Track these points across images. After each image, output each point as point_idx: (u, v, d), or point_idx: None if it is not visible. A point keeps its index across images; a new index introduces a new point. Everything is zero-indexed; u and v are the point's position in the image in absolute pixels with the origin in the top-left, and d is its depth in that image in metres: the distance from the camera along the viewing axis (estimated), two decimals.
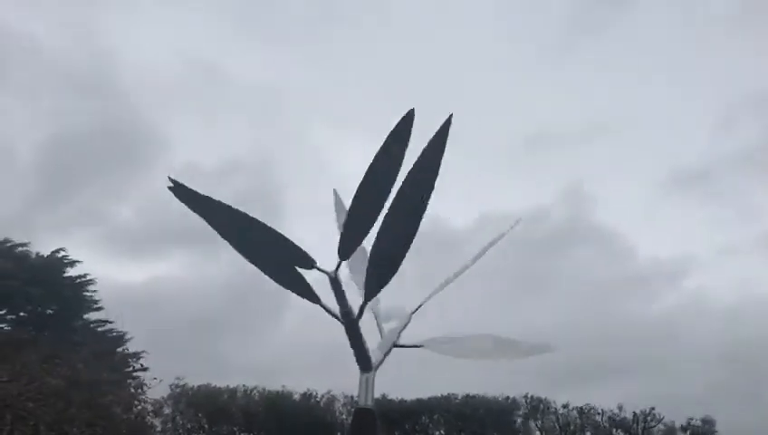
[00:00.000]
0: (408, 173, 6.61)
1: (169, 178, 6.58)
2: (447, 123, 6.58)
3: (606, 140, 79.46)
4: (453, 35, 76.06)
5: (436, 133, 6.59)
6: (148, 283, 57.52)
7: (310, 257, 6.70)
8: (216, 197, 6.68)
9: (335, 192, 8.49)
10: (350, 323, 7.02)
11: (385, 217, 6.72)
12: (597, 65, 79.14)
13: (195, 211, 6.67)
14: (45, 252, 37.13)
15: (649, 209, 77.20)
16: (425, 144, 6.59)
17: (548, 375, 48.99)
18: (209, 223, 6.71)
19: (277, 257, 6.80)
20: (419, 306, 7.79)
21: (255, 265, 6.87)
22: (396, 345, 7.59)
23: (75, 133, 62.73)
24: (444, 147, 6.62)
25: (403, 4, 79.99)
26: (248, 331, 54.28)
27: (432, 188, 6.68)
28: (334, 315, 7.05)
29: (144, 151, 69.23)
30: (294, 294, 7.07)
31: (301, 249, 6.65)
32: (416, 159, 6.58)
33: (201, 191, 6.54)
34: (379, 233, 6.77)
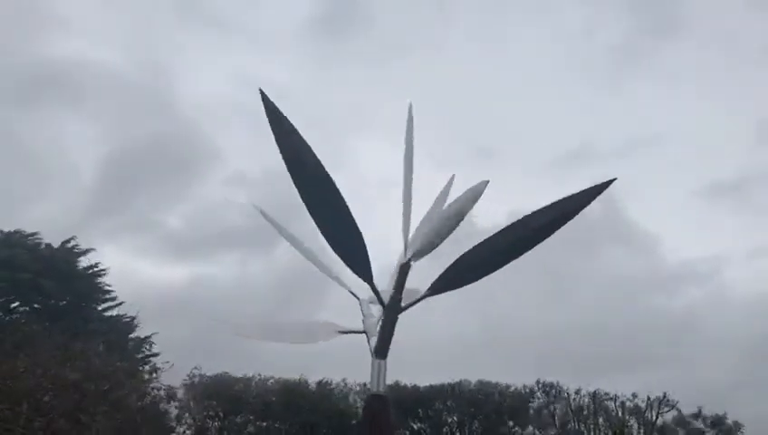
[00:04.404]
0: (536, 213, 6.74)
1: (261, 91, 6.55)
2: (605, 185, 6.66)
3: (646, 153, 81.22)
4: (509, 58, 77.61)
5: (586, 191, 6.69)
6: (189, 284, 59.49)
7: (368, 261, 6.85)
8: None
9: (410, 106, 7.91)
10: (396, 311, 7.05)
11: (495, 236, 6.87)
12: (641, 86, 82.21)
13: (280, 145, 6.55)
14: (57, 243, 37.25)
15: (683, 216, 78.21)
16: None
17: (570, 364, 49.21)
18: (288, 165, 6.61)
19: (344, 239, 6.85)
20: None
21: (326, 238, 6.88)
22: None
23: (134, 148, 67.04)
24: (582, 207, 6.69)
25: (455, 25, 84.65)
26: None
27: (546, 237, 6.80)
28: (380, 299, 7.10)
29: (196, 164, 72.08)
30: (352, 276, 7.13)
31: (365, 250, 6.79)
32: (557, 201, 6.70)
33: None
34: (479, 246, 6.91)
